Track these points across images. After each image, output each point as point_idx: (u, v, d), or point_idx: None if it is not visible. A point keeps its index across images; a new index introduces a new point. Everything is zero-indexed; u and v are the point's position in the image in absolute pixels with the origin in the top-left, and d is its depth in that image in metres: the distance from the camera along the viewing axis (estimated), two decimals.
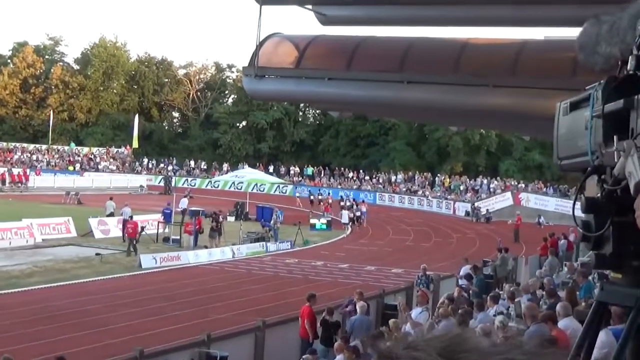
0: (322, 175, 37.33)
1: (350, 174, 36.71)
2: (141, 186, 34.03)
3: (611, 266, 0.97)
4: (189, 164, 39.58)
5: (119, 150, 40.96)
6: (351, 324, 7.50)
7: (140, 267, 14.02)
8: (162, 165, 39.59)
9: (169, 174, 36.72)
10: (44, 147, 39.67)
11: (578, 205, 0.99)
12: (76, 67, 46.09)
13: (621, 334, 0.94)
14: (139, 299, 11.06)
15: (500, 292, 7.98)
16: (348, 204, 26.67)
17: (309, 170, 38.04)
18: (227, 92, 47.31)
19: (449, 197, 31.87)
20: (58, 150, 39.69)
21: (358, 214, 24.22)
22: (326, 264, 15.76)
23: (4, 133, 42.10)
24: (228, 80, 47.18)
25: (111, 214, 19.85)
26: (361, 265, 15.79)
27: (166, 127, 47.37)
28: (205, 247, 16.57)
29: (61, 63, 45.96)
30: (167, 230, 18.09)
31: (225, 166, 38.96)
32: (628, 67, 0.92)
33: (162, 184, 33.89)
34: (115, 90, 44.91)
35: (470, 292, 9.04)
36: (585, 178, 0.99)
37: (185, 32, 67.02)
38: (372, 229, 23.23)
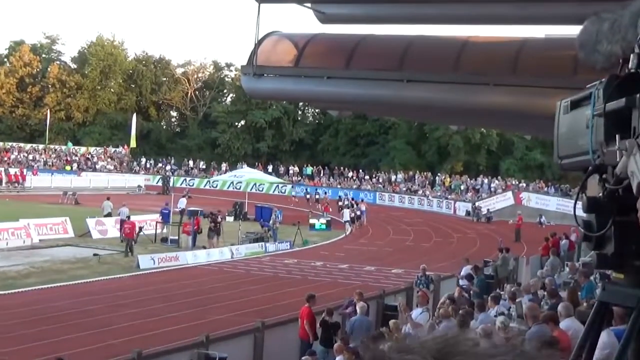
0: (322, 174, 37.25)
1: (350, 174, 36.64)
2: (139, 186, 33.92)
3: (613, 266, 0.97)
4: (188, 164, 39.47)
5: (117, 149, 40.82)
6: (351, 325, 7.46)
7: (138, 267, 13.94)
8: (160, 165, 39.46)
9: (167, 173, 36.60)
10: (41, 146, 39.51)
11: (579, 204, 0.99)
12: (73, 66, 45.92)
13: (623, 335, 0.93)
14: (137, 300, 11.00)
15: (501, 293, 7.96)
16: (346, 202, 26.63)
17: (309, 169, 37.96)
18: (225, 91, 47.18)
19: (449, 196, 31.76)
20: (55, 149, 39.53)
21: (358, 213, 24.18)
22: (326, 265, 15.71)
23: (0, 132, 41.93)
24: (226, 79, 47.07)
25: (109, 214, 19.76)
26: (361, 265, 15.73)
27: (164, 127, 47.23)
28: (204, 247, 16.50)
29: (58, 62, 45.78)
30: (165, 230, 18.00)
31: (223, 166, 38.87)
32: (629, 66, 0.91)
33: (160, 183, 33.78)
34: (112, 89, 44.75)
35: (471, 292, 8.99)
36: (586, 177, 0.98)
37: (183, 30, 67.00)
38: (372, 228, 23.18)
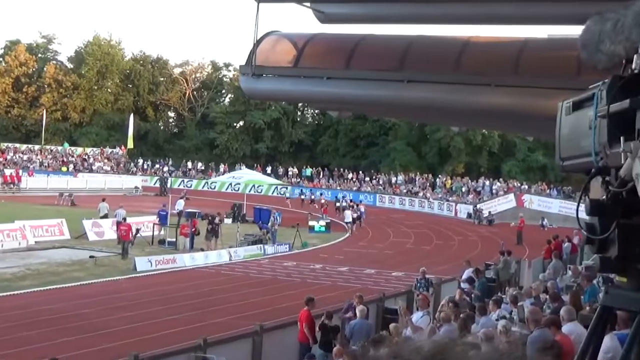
0: (321, 176, 37.13)
1: (350, 175, 36.51)
2: (136, 187, 33.76)
3: (616, 269, 0.96)
4: (186, 165, 39.31)
5: (114, 150, 40.66)
6: (351, 328, 7.36)
7: (135, 270, 13.82)
8: (157, 166, 39.31)
9: (165, 175, 36.46)
10: (36, 147, 39.31)
11: (582, 207, 0.98)
12: (70, 65, 45.77)
13: (626, 339, 0.92)
14: (134, 303, 10.89)
15: (503, 296, 7.88)
16: (344, 204, 26.55)
17: (308, 171, 37.85)
18: (223, 91, 47.09)
19: (450, 198, 31.61)
20: (51, 150, 39.34)
21: (357, 214, 24.16)
22: (325, 267, 15.63)
23: None
24: (225, 79, 47.00)
25: (105, 216, 19.62)
26: (361, 268, 15.63)
27: (162, 127, 47.12)
28: (202, 249, 16.38)
29: (54, 61, 45.62)
30: (162, 232, 17.89)
31: (222, 167, 38.74)
32: (633, 66, 0.90)
33: (157, 185, 33.62)
34: (109, 90, 44.60)
35: (472, 295, 8.90)
36: (589, 179, 0.97)
37: (181, 30, 66.90)
38: (372, 231, 23.10)
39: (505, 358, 0.55)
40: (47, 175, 33.61)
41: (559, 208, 27.13)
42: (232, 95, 44.83)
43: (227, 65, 46.76)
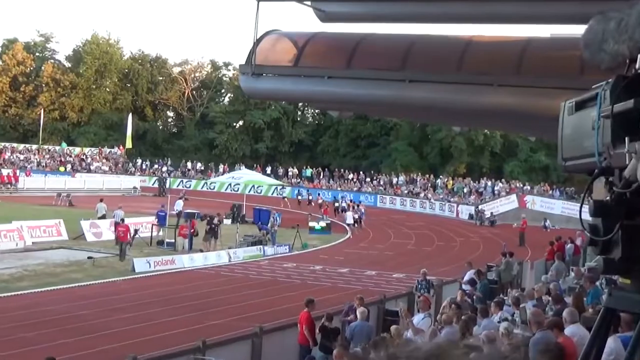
0: (322, 176, 37.02)
1: (350, 176, 36.38)
2: (135, 188, 33.68)
3: (620, 271, 0.95)
4: (185, 165, 39.19)
5: (112, 150, 40.53)
6: (351, 330, 7.29)
7: (133, 271, 13.73)
8: (156, 166, 39.19)
9: (164, 175, 36.34)
10: (34, 147, 39.16)
11: (585, 208, 0.97)
12: (68, 64, 45.62)
13: (630, 342, 0.91)
14: (132, 304, 10.82)
15: (505, 298, 7.83)
16: (344, 204, 26.47)
17: (308, 171, 37.74)
18: (223, 90, 46.99)
19: (452, 199, 31.47)
20: (49, 150, 39.18)
21: (358, 214, 24.14)
22: (325, 269, 15.55)
23: None
24: (224, 79, 46.90)
25: (103, 216, 19.52)
26: (361, 269, 15.56)
27: (160, 127, 47.00)
28: (201, 250, 16.29)
29: (52, 60, 45.47)
30: (161, 233, 17.80)
31: (221, 167, 38.64)
32: (637, 66, 0.89)
33: (156, 185, 33.51)
34: (108, 89, 44.46)
35: (474, 297, 8.83)
36: (592, 180, 0.95)
37: (181, 28, 66.63)
38: (373, 232, 23.02)
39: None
40: (45, 175, 33.50)
41: (561, 209, 27.01)
42: (232, 95, 44.72)
43: (226, 65, 46.72)
